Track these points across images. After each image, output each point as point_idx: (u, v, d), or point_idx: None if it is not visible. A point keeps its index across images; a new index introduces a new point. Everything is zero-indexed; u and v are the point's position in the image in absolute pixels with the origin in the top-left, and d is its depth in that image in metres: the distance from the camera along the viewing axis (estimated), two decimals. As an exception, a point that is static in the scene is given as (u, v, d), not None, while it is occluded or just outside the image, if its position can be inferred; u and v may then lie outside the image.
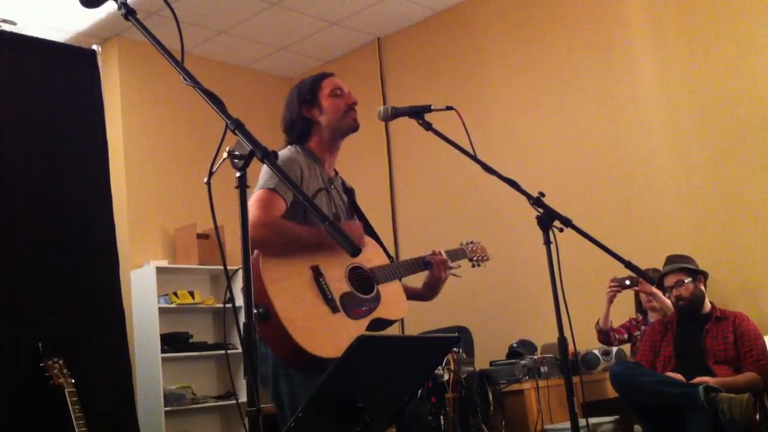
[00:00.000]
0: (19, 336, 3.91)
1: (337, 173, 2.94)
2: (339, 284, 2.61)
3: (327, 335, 2.49)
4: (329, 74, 2.89)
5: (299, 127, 2.83)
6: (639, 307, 4.91)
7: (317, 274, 2.57)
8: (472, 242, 3.23)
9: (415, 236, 6.32)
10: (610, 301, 4.64)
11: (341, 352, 2.45)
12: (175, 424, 5.83)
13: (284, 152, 2.73)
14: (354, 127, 2.84)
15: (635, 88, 5.40)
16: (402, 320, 6.25)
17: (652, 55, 5.36)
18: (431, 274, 2.92)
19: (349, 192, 2.97)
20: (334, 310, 2.55)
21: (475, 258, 3.20)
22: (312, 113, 2.81)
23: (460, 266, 3.06)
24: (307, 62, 7.12)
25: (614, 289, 4.58)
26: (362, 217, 2.96)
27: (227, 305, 5.85)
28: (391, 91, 6.78)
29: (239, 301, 1.78)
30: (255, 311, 2.26)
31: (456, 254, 3.08)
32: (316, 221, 2.66)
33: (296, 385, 2.51)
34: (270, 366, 2.55)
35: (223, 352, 6.05)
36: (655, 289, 4.50)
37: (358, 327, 2.59)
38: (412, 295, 2.93)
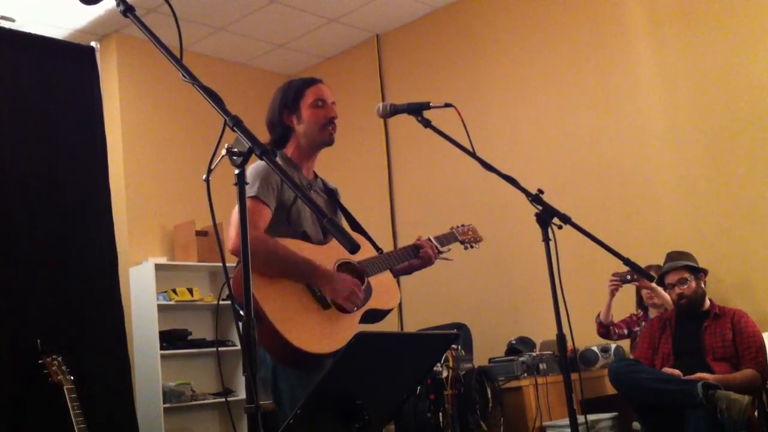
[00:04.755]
0: (17, 333, 3.90)
1: (316, 176, 2.95)
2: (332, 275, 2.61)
3: (320, 331, 2.50)
4: (316, 81, 2.88)
5: (278, 131, 2.84)
6: (640, 303, 4.92)
7: (306, 268, 2.57)
8: (462, 225, 3.23)
9: (414, 233, 6.27)
10: (612, 294, 4.66)
11: (336, 347, 2.47)
12: (174, 420, 5.84)
13: (262, 162, 2.72)
14: (328, 143, 2.83)
15: (634, 85, 5.40)
16: (401, 317, 6.29)
17: (651, 52, 5.36)
18: (421, 260, 2.93)
19: (332, 192, 2.97)
20: (325, 306, 2.56)
21: (466, 240, 3.19)
22: (291, 121, 2.82)
23: (450, 249, 3.06)
24: (306, 59, 7.12)
25: (615, 283, 4.61)
26: (348, 215, 2.97)
27: (224, 302, 5.85)
28: (390, 88, 6.77)
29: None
30: (241, 314, 2.26)
31: (446, 239, 3.09)
32: (299, 225, 2.70)
33: (295, 383, 2.52)
34: (269, 368, 2.56)
35: (221, 348, 6.04)
36: (654, 285, 4.51)
37: (351, 320, 2.61)
38: (401, 270, 2.95)
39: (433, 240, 3.00)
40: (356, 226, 2.95)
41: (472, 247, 3.22)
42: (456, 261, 3.12)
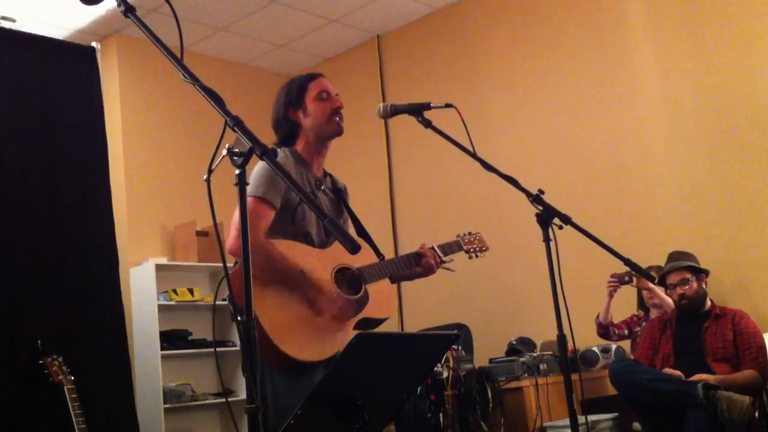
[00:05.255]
0: (18, 334, 3.91)
1: (326, 174, 2.94)
2: (324, 287, 2.61)
3: (310, 339, 2.49)
4: (318, 75, 2.89)
5: (285, 128, 2.84)
6: (641, 303, 4.92)
7: (301, 278, 2.57)
8: (469, 233, 3.19)
9: (415, 233, 6.32)
10: (611, 295, 4.67)
11: (326, 355, 2.47)
12: (175, 421, 5.83)
13: None
14: (338, 132, 2.83)
15: (635, 85, 5.40)
16: (401, 317, 6.28)
17: (652, 52, 5.35)
18: (422, 269, 2.91)
19: (339, 192, 2.95)
20: (319, 312, 2.55)
21: (471, 249, 3.15)
22: (297, 116, 2.82)
23: (453, 260, 3.03)
24: (307, 59, 7.12)
25: (613, 284, 4.63)
26: (353, 216, 2.96)
27: (224, 302, 5.86)
28: (391, 88, 6.77)
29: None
30: (238, 318, 2.26)
31: (450, 247, 3.06)
32: (303, 226, 2.69)
33: (279, 386, 2.50)
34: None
35: (221, 349, 6.04)
36: (653, 286, 4.52)
37: (345, 328, 2.59)
38: (401, 277, 2.94)
39: (436, 249, 2.96)
40: (361, 231, 2.93)
41: (477, 256, 3.17)
42: (457, 261, 3.11)
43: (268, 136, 2.88)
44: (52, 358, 3.81)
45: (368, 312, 2.68)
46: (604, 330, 4.81)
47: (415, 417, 4.33)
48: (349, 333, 2.61)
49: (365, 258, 2.77)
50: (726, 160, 4.96)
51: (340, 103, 2.84)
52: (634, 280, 4.58)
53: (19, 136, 4.17)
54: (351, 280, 2.69)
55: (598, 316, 4.80)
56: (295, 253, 2.62)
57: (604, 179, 5.48)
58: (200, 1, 5.91)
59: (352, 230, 2.94)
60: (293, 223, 2.68)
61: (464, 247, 3.13)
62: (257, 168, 2.62)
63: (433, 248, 2.96)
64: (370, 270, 2.74)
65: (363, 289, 2.68)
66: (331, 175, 2.97)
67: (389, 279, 2.84)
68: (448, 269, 3.00)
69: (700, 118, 5.09)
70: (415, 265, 2.90)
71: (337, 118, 2.81)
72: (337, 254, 2.67)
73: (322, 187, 2.86)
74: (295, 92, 2.83)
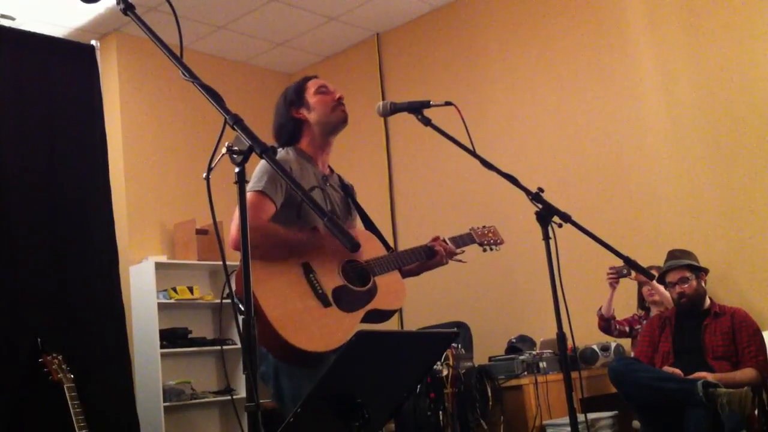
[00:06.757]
0: (18, 332, 3.91)
1: (332, 171, 2.95)
2: (331, 278, 2.61)
3: (318, 330, 2.49)
4: (312, 76, 2.94)
5: (289, 128, 2.86)
6: (641, 303, 4.92)
7: (308, 270, 2.58)
8: (483, 226, 3.18)
9: (414, 231, 6.31)
10: (612, 287, 4.68)
11: (334, 346, 2.47)
12: (175, 419, 5.84)
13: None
14: (343, 120, 2.86)
15: (635, 83, 5.40)
16: (401, 316, 6.28)
17: (652, 49, 5.35)
18: (434, 260, 2.91)
19: (347, 189, 2.97)
20: (326, 304, 2.55)
21: (485, 242, 3.14)
22: (300, 113, 2.85)
23: (464, 251, 3.02)
24: (306, 58, 7.12)
25: (612, 276, 4.64)
26: (361, 212, 2.97)
27: (226, 300, 5.85)
28: (390, 86, 6.77)
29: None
30: (242, 310, 2.26)
31: (462, 240, 3.05)
32: (309, 221, 2.70)
33: (299, 379, 2.51)
34: (271, 364, 2.55)
35: (221, 347, 6.05)
36: (654, 282, 4.52)
37: (352, 319, 2.60)
38: (412, 270, 2.94)
39: (447, 241, 2.97)
40: (369, 225, 2.95)
41: (491, 249, 3.15)
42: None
43: (267, 135, 2.89)
44: (52, 357, 3.81)
45: (377, 303, 2.68)
46: (606, 323, 4.81)
47: (414, 415, 4.33)
48: (358, 323, 2.61)
49: (374, 251, 2.79)
50: (726, 158, 4.95)
51: (341, 94, 2.88)
52: (633, 273, 4.58)
53: (19, 134, 4.17)
54: (359, 273, 2.70)
55: (600, 309, 4.81)
56: (306, 234, 2.65)
57: (604, 178, 5.48)
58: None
59: (361, 226, 2.96)
60: (299, 218, 2.69)
61: (477, 240, 3.12)
62: (259, 165, 2.64)
63: (444, 240, 2.96)
64: (379, 262, 2.75)
65: (371, 281, 2.69)
66: (338, 174, 2.99)
67: (400, 273, 2.84)
68: (460, 261, 2.99)
69: (700, 116, 5.08)
70: (426, 258, 2.90)
71: (341, 107, 2.85)
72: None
73: (329, 183, 2.86)
74: (294, 93, 2.87)
